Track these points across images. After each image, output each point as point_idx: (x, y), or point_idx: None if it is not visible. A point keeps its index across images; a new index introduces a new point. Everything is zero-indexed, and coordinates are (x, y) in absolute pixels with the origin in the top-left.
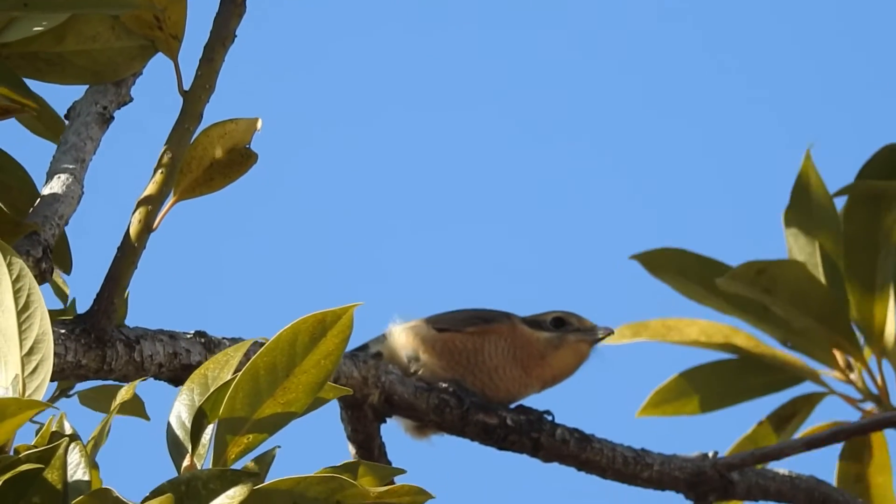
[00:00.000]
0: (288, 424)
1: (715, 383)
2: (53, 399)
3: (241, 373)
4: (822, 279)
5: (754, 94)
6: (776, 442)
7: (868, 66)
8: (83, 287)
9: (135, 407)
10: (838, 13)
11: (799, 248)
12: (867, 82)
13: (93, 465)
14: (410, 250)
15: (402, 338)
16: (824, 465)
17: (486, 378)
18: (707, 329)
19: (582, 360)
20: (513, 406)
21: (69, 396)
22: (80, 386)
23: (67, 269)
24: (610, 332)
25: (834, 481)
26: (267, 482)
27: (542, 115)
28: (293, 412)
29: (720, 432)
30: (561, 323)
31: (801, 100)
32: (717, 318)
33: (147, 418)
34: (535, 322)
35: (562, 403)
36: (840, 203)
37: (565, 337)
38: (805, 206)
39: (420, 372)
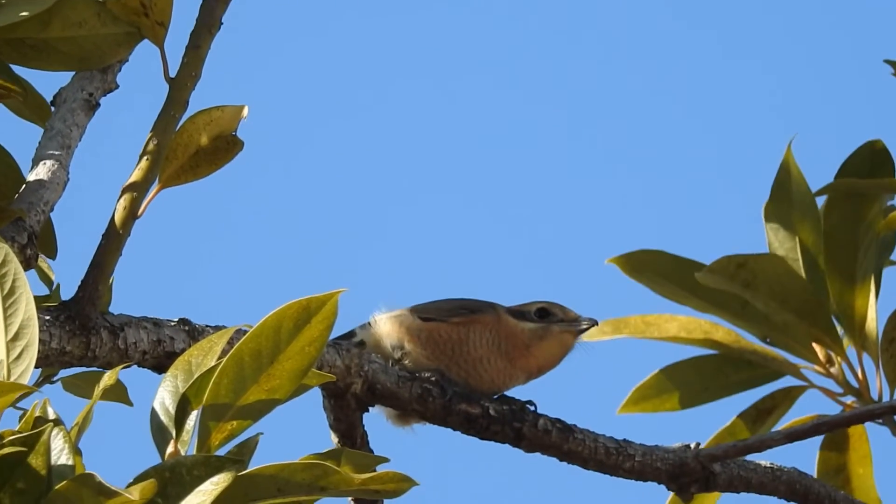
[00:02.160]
0: (272, 411)
1: (695, 379)
2: (37, 384)
3: (225, 359)
4: (803, 273)
5: (736, 90)
6: (754, 435)
7: (851, 62)
8: (68, 273)
9: (118, 393)
10: (822, 10)
11: (779, 243)
12: (850, 78)
13: (76, 450)
14: (395, 239)
15: (387, 327)
16: (805, 456)
17: (470, 368)
18: (687, 325)
19: (567, 350)
20: (496, 397)
21: (53, 383)
22: (64, 372)
23: (52, 254)
24: (594, 323)
25: (815, 473)
26: (251, 468)
27: (528, 116)
28: (277, 399)
29: (700, 426)
30: (545, 314)
31: (782, 96)
32: (696, 315)
33: (130, 404)
34: (519, 313)
35: (543, 395)
36: (821, 197)
37: (550, 328)
38: (785, 200)
39: (404, 361)
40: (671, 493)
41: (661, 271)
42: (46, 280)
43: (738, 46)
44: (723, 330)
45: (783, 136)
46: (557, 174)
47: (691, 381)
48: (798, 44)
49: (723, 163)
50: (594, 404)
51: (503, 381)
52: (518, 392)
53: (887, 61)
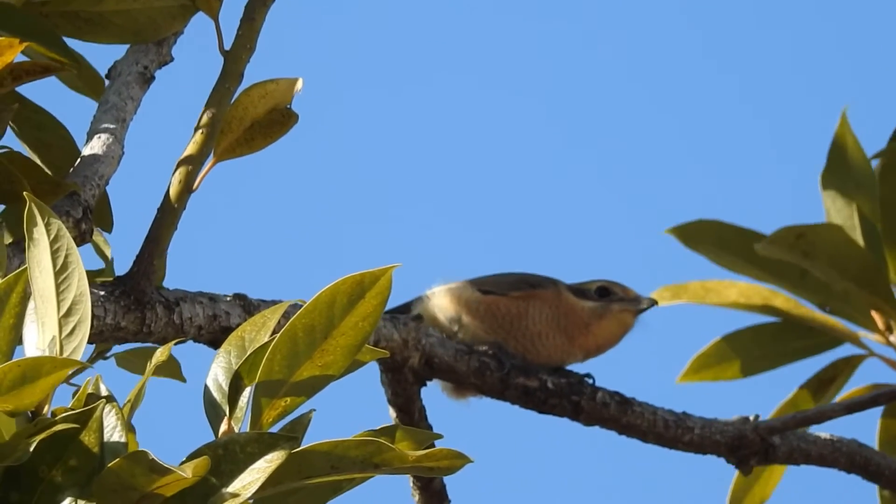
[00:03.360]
0: (326, 387)
1: (754, 347)
2: (91, 360)
3: (279, 335)
4: (861, 242)
5: (788, 60)
6: (816, 405)
7: None
8: (123, 248)
9: (171, 369)
10: None
11: (836, 211)
12: None
13: (129, 427)
14: (450, 213)
15: (445, 299)
16: (867, 425)
17: (528, 343)
18: (746, 291)
19: (626, 330)
20: (553, 370)
21: (106, 359)
22: (117, 348)
23: (109, 228)
24: (655, 303)
25: (876, 441)
26: (304, 446)
27: (577, 88)
28: (331, 375)
29: (760, 397)
30: (606, 292)
31: (834, 64)
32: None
33: (183, 380)
34: (579, 290)
35: (601, 367)
36: (875, 164)
37: (610, 306)
38: (842, 169)
39: (461, 334)
40: (731, 467)
41: (719, 241)
42: (102, 255)
43: (790, 15)
44: (782, 297)
45: (837, 104)
46: (611, 149)
47: (750, 349)
48: (849, 11)
49: (777, 131)
50: (653, 373)
51: (560, 358)
52: (575, 367)
53: None
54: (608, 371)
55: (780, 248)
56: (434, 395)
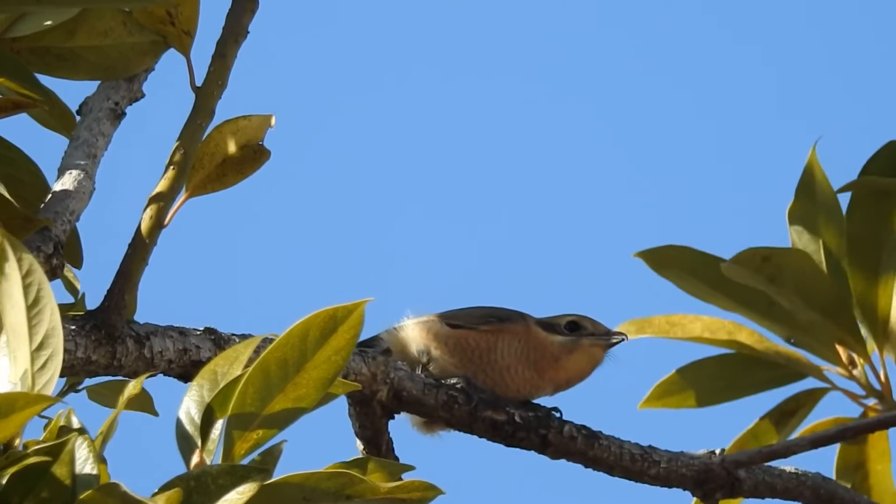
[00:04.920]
0: (297, 420)
1: (718, 377)
2: (62, 394)
3: (251, 368)
4: (828, 276)
5: (760, 89)
6: (777, 437)
7: (875, 61)
8: (94, 283)
9: (143, 402)
10: (846, 8)
11: (803, 245)
12: (873, 78)
13: (101, 459)
14: (418, 247)
15: (414, 332)
16: (824, 453)
17: (497, 377)
18: (711, 325)
19: (596, 364)
20: (521, 403)
21: (78, 391)
22: (89, 381)
23: (78, 264)
24: (624, 338)
25: (834, 469)
26: (276, 478)
27: (544, 111)
28: (303, 407)
29: (722, 426)
30: (575, 327)
31: (806, 95)
32: (721, 314)
33: (156, 414)
34: (549, 325)
35: (567, 397)
36: (844, 199)
37: (580, 341)
38: (809, 202)
39: (430, 368)
40: (695, 500)
41: (687, 267)
42: (72, 289)
43: (763, 46)
44: (746, 331)
45: (808, 135)
46: (579, 175)
47: (714, 378)
48: (822, 43)
49: (747, 163)
50: (618, 404)
51: (529, 391)
52: (543, 400)
53: None
54: (575, 401)
55: (745, 270)
56: (401, 428)
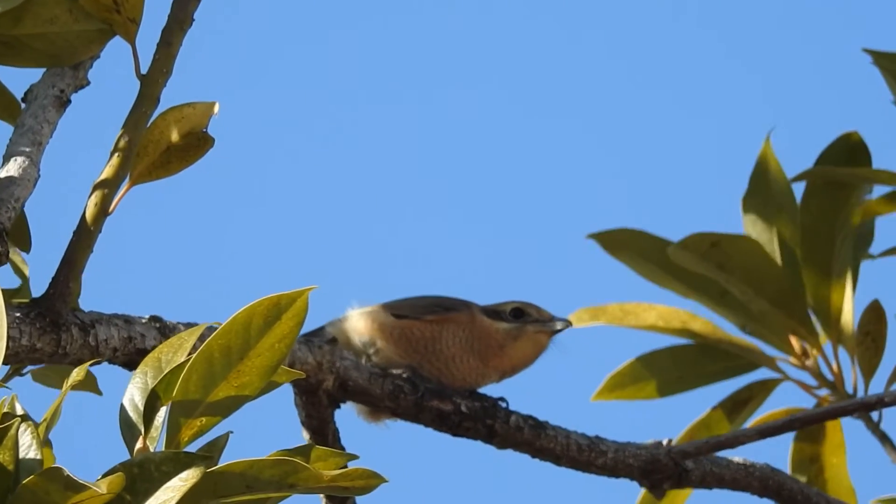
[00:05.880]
0: (241, 408)
1: (671, 368)
2: (6, 378)
3: (195, 355)
4: (780, 265)
5: (715, 80)
6: (730, 427)
7: (828, 53)
8: (39, 270)
9: (87, 383)
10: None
11: (757, 235)
12: (828, 69)
13: (46, 443)
14: (365, 234)
15: (360, 323)
16: (779, 446)
17: (442, 366)
18: (665, 314)
19: (541, 351)
20: (468, 393)
21: (22, 375)
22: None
23: (27, 247)
24: (569, 324)
25: (789, 463)
26: (220, 465)
27: (499, 93)
28: (247, 395)
29: (674, 416)
30: (520, 314)
31: (760, 86)
32: (676, 302)
33: (100, 393)
34: (494, 312)
35: (518, 387)
36: (798, 190)
37: (524, 328)
38: (763, 193)
39: (375, 358)
40: (643, 490)
41: (640, 251)
42: (20, 273)
43: (721, 33)
44: (700, 321)
45: (763, 125)
46: (534, 158)
47: (667, 369)
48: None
49: (703, 153)
50: (570, 392)
51: (475, 380)
52: (491, 388)
53: (866, 50)
54: (525, 390)
55: (691, 256)
56: (348, 417)
